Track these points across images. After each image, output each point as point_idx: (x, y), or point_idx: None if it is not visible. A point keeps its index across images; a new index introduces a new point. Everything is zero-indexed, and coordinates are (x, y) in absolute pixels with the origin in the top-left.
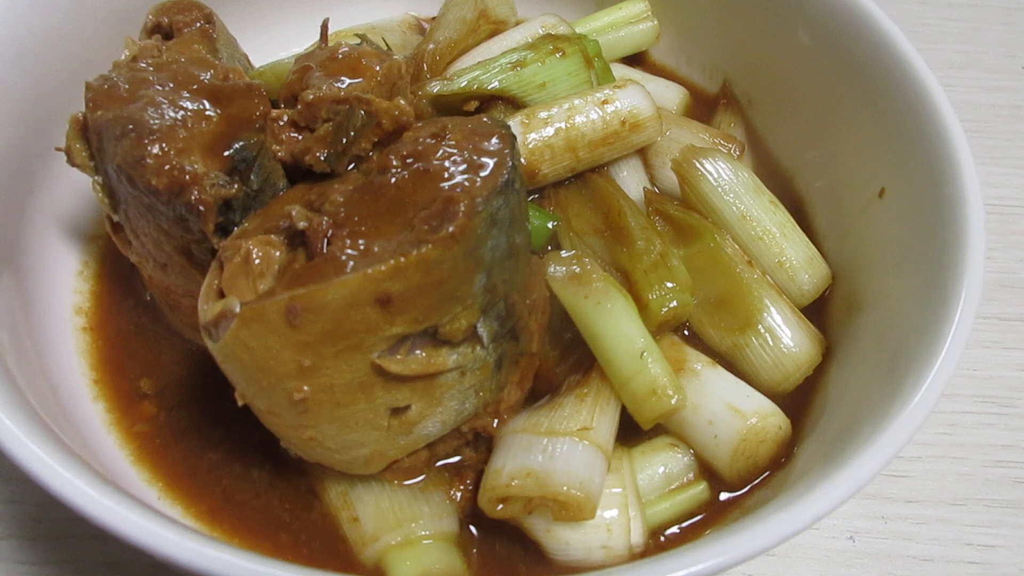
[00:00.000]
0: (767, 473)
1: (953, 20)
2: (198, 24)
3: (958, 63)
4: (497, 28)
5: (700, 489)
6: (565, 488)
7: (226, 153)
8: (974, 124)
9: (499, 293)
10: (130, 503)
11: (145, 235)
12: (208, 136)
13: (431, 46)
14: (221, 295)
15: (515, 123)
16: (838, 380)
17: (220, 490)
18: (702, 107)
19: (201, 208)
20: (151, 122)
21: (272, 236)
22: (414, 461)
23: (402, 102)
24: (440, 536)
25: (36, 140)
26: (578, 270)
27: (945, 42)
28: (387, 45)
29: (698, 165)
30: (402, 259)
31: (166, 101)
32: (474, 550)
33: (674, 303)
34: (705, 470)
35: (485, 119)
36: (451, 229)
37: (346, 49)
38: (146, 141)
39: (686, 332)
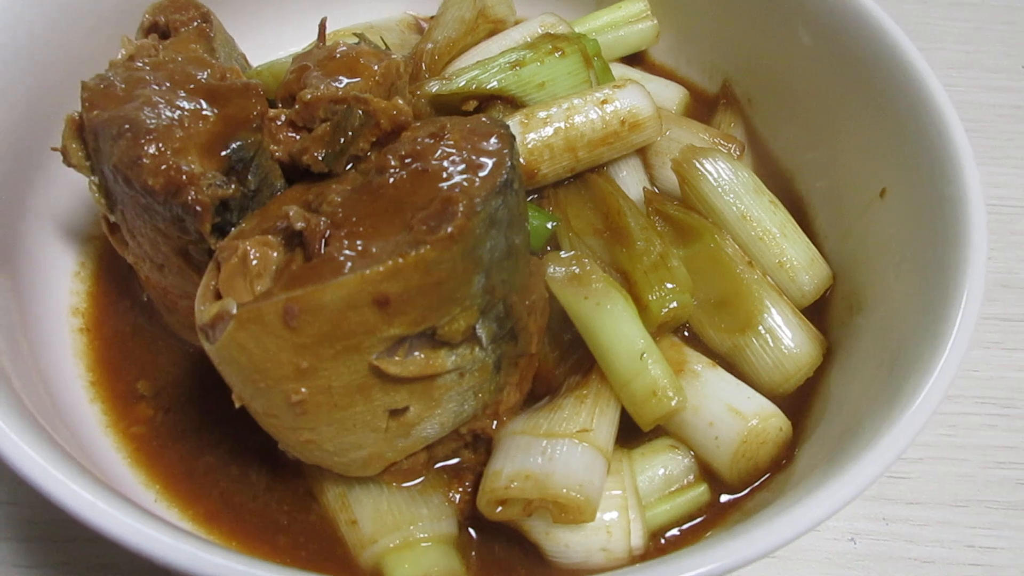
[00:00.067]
0: (768, 475)
1: (953, 20)
2: (195, 23)
3: (958, 63)
4: (496, 27)
5: (700, 491)
6: (565, 490)
7: (223, 153)
8: (974, 124)
9: (498, 294)
10: (125, 506)
11: (142, 235)
12: (205, 136)
13: (429, 45)
14: (218, 296)
15: (514, 123)
16: (839, 381)
17: (217, 492)
18: (702, 107)
19: (198, 208)
20: (147, 122)
21: (269, 237)
22: (413, 463)
23: (400, 102)
24: (439, 539)
25: (32, 140)
26: (577, 271)
27: (945, 42)
28: (385, 44)
29: (698, 165)
30: (400, 260)
31: (163, 101)
32: (473, 552)
33: (674, 304)
34: (705, 472)
35: (484, 119)
36: (450, 230)
37: (344, 48)
38: (142, 141)
39: (686, 333)
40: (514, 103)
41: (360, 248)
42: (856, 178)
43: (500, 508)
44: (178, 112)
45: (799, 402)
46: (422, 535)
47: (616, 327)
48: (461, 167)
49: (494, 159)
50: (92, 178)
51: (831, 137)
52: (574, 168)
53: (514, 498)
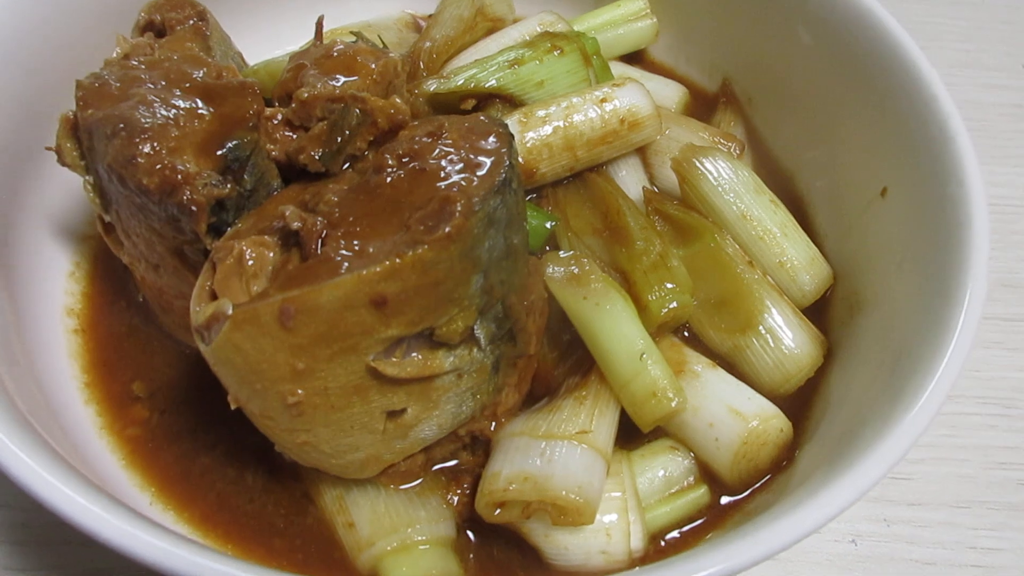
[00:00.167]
0: (768, 476)
1: (954, 19)
2: (191, 21)
3: (959, 62)
4: (494, 26)
5: (701, 493)
6: (564, 492)
7: (219, 152)
8: (975, 123)
9: (496, 294)
10: (120, 510)
11: (137, 236)
12: (201, 135)
13: (428, 44)
14: (214, 297)
15: (513, 122)
16: (840, 382)
17: (213, 495)
18: (701, 106)
19: (193, 208)
20: (142, 121)
21: (266, 237)
22: (410, 465)
23: (398, 100)
24: (437, 541)
25: (26, 139)
26: (576, 271)
27: (946, 40)
28: (383, 43)
29: (698, 164)
30: (397, 260)
31: (158, 99)
32: (471, 555)
33: (674, 304)
34: (706, 473)
35: (482, 118)
36: (447, 229)
37: (341, 47)
38: (137, 140)
39: (686, 333)
40: (513, 102)
41: (357, 248)
42: (857, 177)
43: (499, 510)
44: (173, 111)
45: (800, 403)
46: (420, 538)
47: (615, 327)
48: (459, 166)
49: (492, 158)
50: (87, 177)
51: (832, 136)
52: (573, 167)
53: (513, 500)
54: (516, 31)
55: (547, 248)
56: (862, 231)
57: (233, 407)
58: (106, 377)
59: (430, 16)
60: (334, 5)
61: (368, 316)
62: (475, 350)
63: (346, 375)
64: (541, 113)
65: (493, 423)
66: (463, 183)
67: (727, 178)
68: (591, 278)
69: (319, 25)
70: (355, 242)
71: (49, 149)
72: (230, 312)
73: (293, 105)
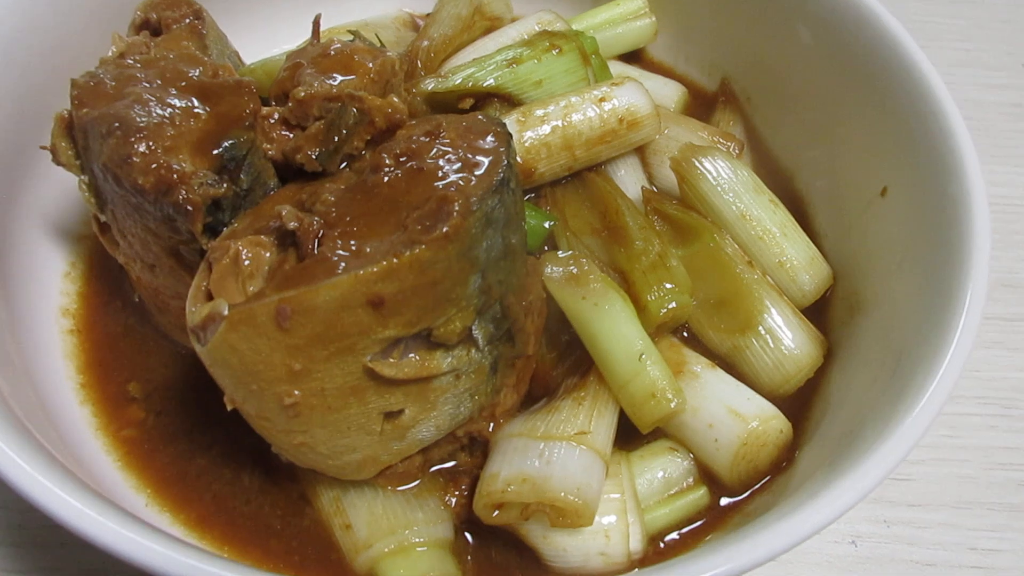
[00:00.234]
0: (768, 478)
1: (953, 17)
2: (187, 20)
3: (958, 60)
4: (492, 25)
5: (700, 494)
6: (562, 494)
7: (215, 152)
8: (975, 122)
9: (494, 295)
10: (114, 513)
11: (133, 235)
12: (197, 134)
13: (425, 43)
14: (209, 297)
15: (511, 121)
16: (840, 382)
17: (210, 496)
18: (701, 105)
19: (189, 208)
20: (138, 120)
21: (262, 237)
22: (408, 466)
23: (395, 100)
24: (434, 543)
25: (21, 138)
26: (575, 271)
27: (945, 39)
28: (380, 42)
29: (697, 164)
30: (395, 260)
31: (153, 98)
32: (469, 557)
33: (673, 304)
34: (705, 475)
35: (480, 117)
36: (445, 229)
37: (338, 46)
38: (132, 139)
39: (685, 334)
40: (511, 101)
41: (354, 248)
42: (857, 176)
43: (497, 512)
44: (169, 110)
45: (799, 404)
46: (417, 539)
47: (614, 328)
48: (457, 166)
49: (490, 157)
50: (82, 177)
51: (831, 135)
52: (572, 167)
53: (511, 502)
54: (514, 30)
55: (545, 248)
56: (862, 231)
57: (229, 408)
58: (102, 378)
59: (428, 15)
60: (331, 4)
61: (365, 316)
62: (473, 351)
63: (343, 376)
64: (539, 112)
65: (491, 424)
66: (461, 183)
67: (726, 178)
68: (590, 278)
69: (316, 24)
70: (352, 242)
71: (44, 148)
72: (226, 312)
73: (290, 104)
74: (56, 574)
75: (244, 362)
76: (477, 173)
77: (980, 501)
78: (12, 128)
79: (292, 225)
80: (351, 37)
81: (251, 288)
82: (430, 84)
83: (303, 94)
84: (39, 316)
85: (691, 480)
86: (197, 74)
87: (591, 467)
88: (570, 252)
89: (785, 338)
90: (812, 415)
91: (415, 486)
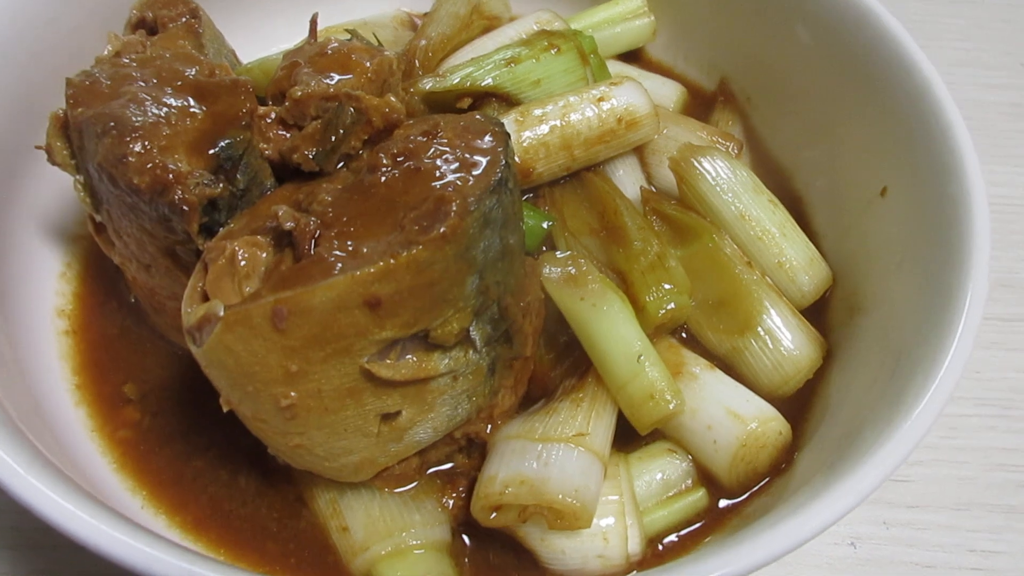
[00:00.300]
0: (767, 479)
1: (953, 17)
2: (184, 19)
3: (958, 60)
4: (491, 24)
5: (699, 496)
6: (560, 496)
7: (211, 151)
8: (974, 122)
9: (492, 295)
10: (109, 516)
11: (128, 235)
12: (193, 134)
13: (423, 42)
14: (205, 298)
15: (509, 121)
16: (839, 384)
17: (206, 498)
18: (700, 105)
19: (185, 208)
20: (133, 119)
21: (258, 237)
22: (405, 468)
23: (393, 99)
24: (432, 545)
25: (16, 138)
26: (573, 271)
27: (945, 39)
28: (378, 41)
29: (696, 164)
30: (392, 261)
31: (149, 98)
32: (466, 560)
33: (672, 305)
34: (704, 476)
35: (478, 116)
36: (442, 229)
37: (335, 45)
38: (128, 139)
39: (684, 335)
40: (509, 101)
41: (351, 248)
42: (856, 176)
43: (494, 514)
44: (165, 109)
45: (799, 405)
46: (415, 542)
47: (613, 329)
48: (454, 166)
49: (488, 157)
50: (77, 177)
51: (831, 135)
52: (570, 167)
53: (509, 504)
54: (512, 29)
55: (544, 248)
56: (862, 231)
57: (226, 410)
58: (97, 379)
59: (426, 14)
60: (329, 3)
61: (362, 317)
62: (470, 352)
63: (340, 377)
64: (538, 112)
65: (489, 426)
66: (458, 183)
67: (725, 178)
68: (588, 279)
69: (313, 23)
70: (349, 242)
71: (39, 148)
72: (222, 313)
73: (287, 104)
74: None
75: (240, 363)
76: (475, 173)
77: (979, 502)
78: (7, 127)
79: (288, 225)
80: (348, 36)
81: (247, 289)
82: (428, 83)
83: (300, 93)
84: (34, 317)
85: (690, 482)
86: (193, 73)
87: (589, 469)
88: (568, 252)
89: (784, 339)
90: (811, 416)
91: (412, 488)
